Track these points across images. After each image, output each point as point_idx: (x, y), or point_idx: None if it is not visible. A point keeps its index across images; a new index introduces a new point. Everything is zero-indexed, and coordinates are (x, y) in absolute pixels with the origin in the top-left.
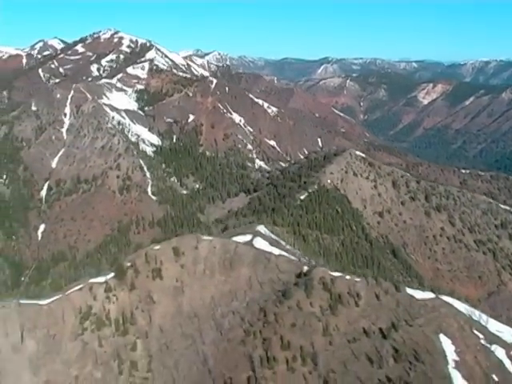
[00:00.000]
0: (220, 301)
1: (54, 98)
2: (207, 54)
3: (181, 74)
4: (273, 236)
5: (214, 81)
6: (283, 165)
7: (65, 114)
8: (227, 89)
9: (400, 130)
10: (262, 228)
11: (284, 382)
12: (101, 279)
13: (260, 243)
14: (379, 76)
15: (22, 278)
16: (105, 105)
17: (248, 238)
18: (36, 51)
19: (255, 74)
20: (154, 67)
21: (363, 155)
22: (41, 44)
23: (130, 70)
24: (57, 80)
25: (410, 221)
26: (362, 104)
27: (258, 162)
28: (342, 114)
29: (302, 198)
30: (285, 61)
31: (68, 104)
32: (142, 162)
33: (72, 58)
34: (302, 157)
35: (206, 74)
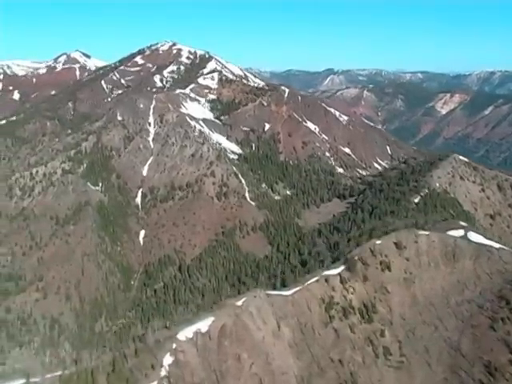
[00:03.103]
0: (451, 290)
1: (138, 108)
2: None
3: (251, 83)
4: None
5: (287, 90)
6: (361, 172)
7: (149, 124)
8: (299, 98)
9: (420, 139)
10: (463, 223)
11: None
12: (333, 272)
13: (476, 237)
14: (395, 86)
15: (132, 282)
16: (184, 114)
17: (461, 232)
18: (61, 64)
19: (284, 84)
20: (224, 77)
21: (467, 160)
22: (64, 57)
23: (200, 80)
24: (119, 91)
25: None
26: (379, 114)
27: (338, 169)
28: (372, 124)
29: (416, 201)
30: (289, 72)
31: (151, 114)
32: (234, 168)
33: (132, 69)
34: (376, 164)
35: (262, 84)
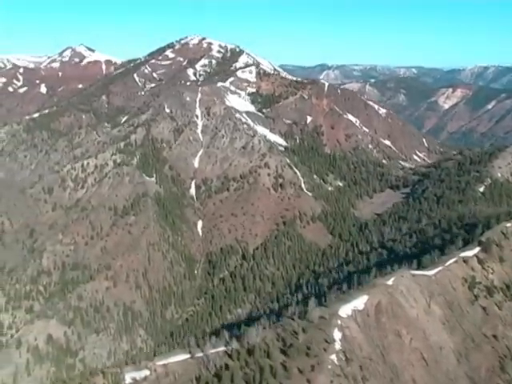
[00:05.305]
0: None
1: (185, 101)
2: None
3: (289, 77)
4: None
5: (326, 83)
6: (402, 163)
7: (196, 116)
8: (339, 91)
9: (424, 134)
10: None
11: None
12: (468, 253)
13: None
14: (396, 81)
15: (196, 271)
16: (229, 107)
17: None
18: (68, 58)
19: None
20: (262, 71)
21: None
22: (69, 51)
23: (239, 73)
24: (152, 85)
25: None
26: None
27: (381, 161)
28: None
29: (481, 190)
30: (284, 67)
31: (198, 106)
32: (288, 160)
33: (163, 63)
34: (415, 156)
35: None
